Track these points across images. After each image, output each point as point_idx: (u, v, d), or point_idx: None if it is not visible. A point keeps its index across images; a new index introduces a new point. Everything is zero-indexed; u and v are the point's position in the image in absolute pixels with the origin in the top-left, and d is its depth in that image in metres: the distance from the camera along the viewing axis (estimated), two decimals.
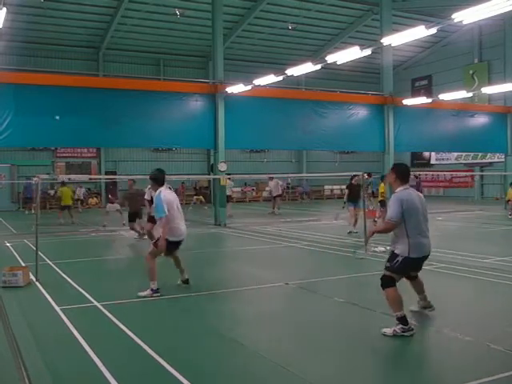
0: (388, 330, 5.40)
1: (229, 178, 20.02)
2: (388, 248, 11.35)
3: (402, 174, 5.70)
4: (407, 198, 5.51)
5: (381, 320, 6.02)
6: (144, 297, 7.11)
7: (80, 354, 4.90)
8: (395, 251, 5.58)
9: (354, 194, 14.50)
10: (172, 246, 7.42)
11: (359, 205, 14.43)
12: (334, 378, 4.44)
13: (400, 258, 5.51)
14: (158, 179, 7.43)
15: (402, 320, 5.39)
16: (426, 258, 5.67)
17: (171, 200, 7.29)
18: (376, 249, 11.19)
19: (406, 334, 5.35)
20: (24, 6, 23.63)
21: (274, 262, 10.50)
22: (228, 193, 20.90)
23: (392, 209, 5.49)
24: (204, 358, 4.83)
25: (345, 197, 15.01)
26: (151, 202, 11.85)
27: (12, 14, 20.20)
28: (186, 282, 7.85)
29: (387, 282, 5.60)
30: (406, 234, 5.47)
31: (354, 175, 14.72)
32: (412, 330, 5.38)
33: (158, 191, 7.25)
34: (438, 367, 4.55)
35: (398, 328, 5.36)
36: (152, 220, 10.56)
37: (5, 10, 12.80)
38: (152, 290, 7.22)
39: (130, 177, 28.80)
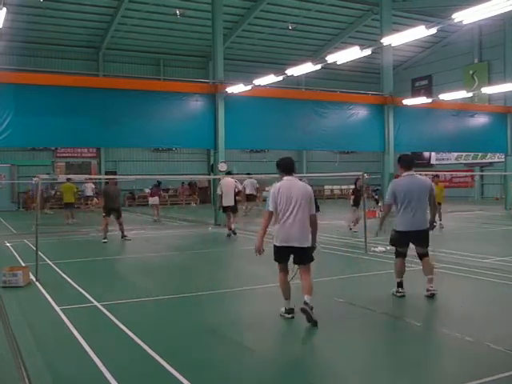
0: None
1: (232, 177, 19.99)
2: (388, 248, 11.42)
3: (403, 162, 6.91)
4: (401, 183, 6.77)
5: (381, 320, 6.02)
6: (280, 315, 6.05)
7: (80, 354, 4.89)
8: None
9: (358, 198, 14.85)
10: (276, 252, 5.99)
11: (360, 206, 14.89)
12: (334, 377, 4.43)
13: (393, 232, 6.90)
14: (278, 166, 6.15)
15: (398, 284, 6.90)
16: (413, 233, 6.70)
17: (278, 193, 5.88)
18: (376, 249, 11.20)
19: (397, 294, 6.88)
20: (24, 6, 23.65)
21: (274, 262, 10.48)
22: (249, 191, 20.44)
23: (387, 193, 6.90)
24: (204, 358, 4.82)
25: (351, 201, 15.20)
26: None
27: (12, 14, 20.18)
28: (290, 312, 6.02)
29: (395, 254, 7.03)
30: (397, 212, 6.74)
31: (358, 178, 14.97)
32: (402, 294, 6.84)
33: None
34: (438, 367, 4.55)
35: (395, 290, 6.88)
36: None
37: (5, 10, 12.82)
38: (284, 308, 6.07)
39: (131, 177, 28.81)
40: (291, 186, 5.89)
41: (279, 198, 5.84)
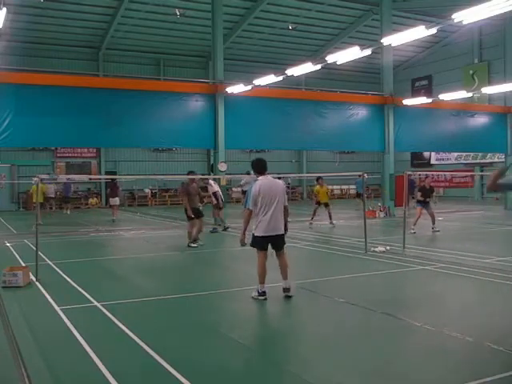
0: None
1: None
2: (388, 248, 11.42)
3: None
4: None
5: (381, 320, 6.02)
6: (252, 297, 6.92)
7: (80, 354, 4.89)
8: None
9: (425, 195, 14.85)
10: (258, 241, 6.91)
11: (427, 206, 14.86)
12: (334, 377, 4.43)
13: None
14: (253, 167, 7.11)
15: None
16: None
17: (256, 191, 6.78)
18: (376, 249, 11.20)
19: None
20: (24, 6, 23.64)
21: (273, 263, 10.49)
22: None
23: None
24: (204, 358, 4.82)
25: (417, 197, 15.14)
26: None
27: (12, 14, 20.20)
28: (286, 290, 7.01)
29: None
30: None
31: (426, 176, 15.07)
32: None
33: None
34: (439, 367, 4.55)
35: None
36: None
37: (5, 10, 12.84)
38: (257, 291, 6.92)
39: (131, 177, 28.69)
40: (271, 184, 6.87)
41: (261, 197, 6.72)
